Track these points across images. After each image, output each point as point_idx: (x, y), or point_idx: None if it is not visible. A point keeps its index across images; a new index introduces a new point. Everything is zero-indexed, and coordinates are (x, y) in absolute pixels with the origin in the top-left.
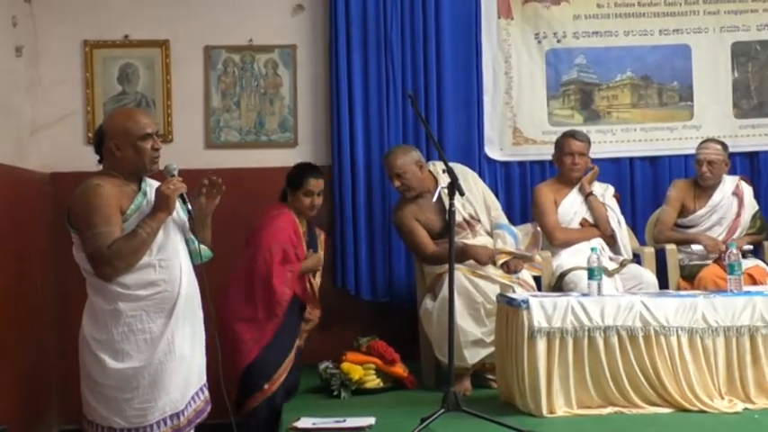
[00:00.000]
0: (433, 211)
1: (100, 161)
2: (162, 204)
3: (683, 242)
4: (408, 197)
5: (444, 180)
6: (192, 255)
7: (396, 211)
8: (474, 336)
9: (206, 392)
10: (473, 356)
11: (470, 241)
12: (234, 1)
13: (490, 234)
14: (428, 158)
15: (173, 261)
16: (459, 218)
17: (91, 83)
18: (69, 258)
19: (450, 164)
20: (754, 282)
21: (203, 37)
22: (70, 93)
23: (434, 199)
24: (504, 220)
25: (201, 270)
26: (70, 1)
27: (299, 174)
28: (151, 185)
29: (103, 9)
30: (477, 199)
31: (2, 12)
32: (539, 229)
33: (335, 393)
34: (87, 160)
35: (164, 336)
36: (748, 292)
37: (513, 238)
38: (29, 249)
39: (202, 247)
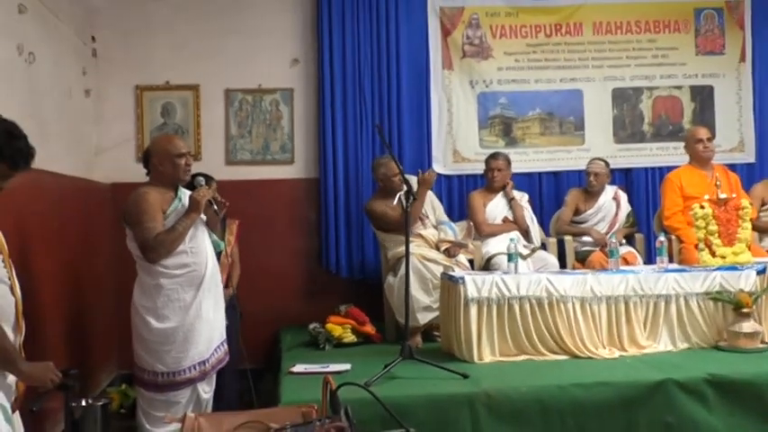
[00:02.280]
0: (394, 208)
1: (147, 174)
2: (194, 207)
3: (577, 234)
4: (382, 194)
5: (403, 188)
6: (214, 245)
7: (369, 203)
8: (424, 303)
9: (225, 346)
10: (423, 318)
11: (421, 231)
12: (247, 55)
13: (435, 227)
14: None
15: (200, 248)
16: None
17: (141, 116)
18: (124, 247)
19: (412, 177)
20: (627, 263)
21: (224, 82)
22: (125, 124)
23: (395, 202)
24: (445, 218)
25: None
26: (125, 55)
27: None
28: (185, 193)
29: (150, 61)
30: (426, 201)
31: (75, 64)
32: (472, 224)
33: (321, 347)
34: (138, 174)
35: (193, 304)
36: (623, 271)
37: (452, 231)
38: (96, 240)
39: (216, 239)
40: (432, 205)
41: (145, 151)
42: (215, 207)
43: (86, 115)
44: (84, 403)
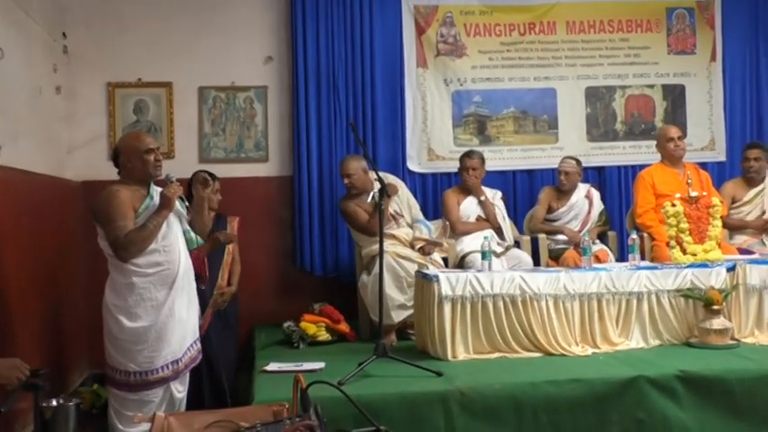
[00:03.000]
0: (367, 207)
1: (119, 173)
2: (165, 203)
3: (551, 232)
4: (353, 193)
5: (376, 186)
6: (188, 242)
7: (342, 202)
8: (398, 301)
9: (198, 345)
10: (398, 316)
11: (393, 231)
12: (220, 53)
13: (410, 226)
14: None
15: (173, 247)
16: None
17: (113, 114)
18: (96, 245)
19: (386, 174)
20: (599, 261)
21: (197, 80)
22: (97, 121)
23: (369, 200)
24: (421, 216)
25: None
26: (97, 52)
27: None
28: (156, 190)
29: (122, 58)
30: (402, 200)
31: (46, 61)
32: (447, 223)
33: (295, 345)
34: (109, 172)
35: (166, 303)
36: (596, 269)
37: (427, 229)
38: (66, 238)
39: (194, 235)
40: (408, 203)
41: (113, 150)
42: (186, 203)
43: (57, 113)
44: (54, 403)
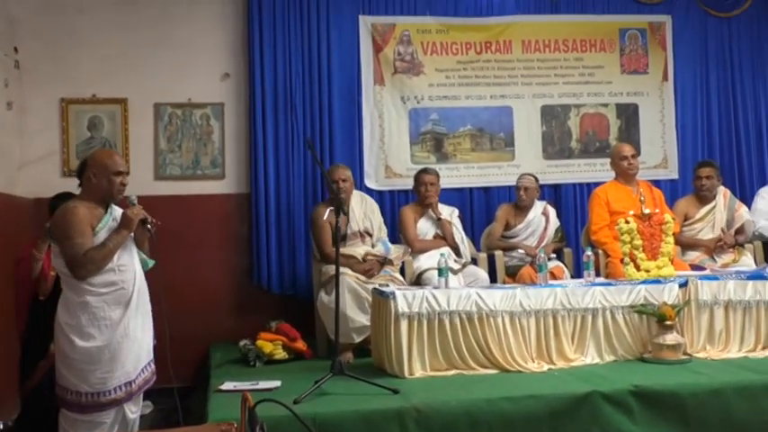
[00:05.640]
0: (330, 220)
1: (80, 185)
2: (125, 224)
3: (508, 249)
4: (331, 198)
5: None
6: (142, 263)
7: (316, 208)
8: (360, 323)
9: (152, 366)
10: (359, 336)
11: (358, 248)
12: (176, 69)
13: (373, 245)
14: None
15: (129, 266)
16: (355, 228)
17: (66, 130)
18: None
19: (362, 194)
20: (555, 277)
21: (153, 96)
22: (50, 138)
23: (325, 217)
24: (385, 237)
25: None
26: (50, 67)
27: None
28: (115, 209)
29: (76, 73)
30: (375, 220)
31: None
32: (409, 250)
33: (252, 363)
34: (63, 189)
35: (121, 323)
36: (551, 285)
37: (385, 249)
38: (17, 255)
39: (145, 257)
40: (380, 225)
41: (82, 161)
42: (149, 227)
43: (8, 128)
44: (1, 426)
